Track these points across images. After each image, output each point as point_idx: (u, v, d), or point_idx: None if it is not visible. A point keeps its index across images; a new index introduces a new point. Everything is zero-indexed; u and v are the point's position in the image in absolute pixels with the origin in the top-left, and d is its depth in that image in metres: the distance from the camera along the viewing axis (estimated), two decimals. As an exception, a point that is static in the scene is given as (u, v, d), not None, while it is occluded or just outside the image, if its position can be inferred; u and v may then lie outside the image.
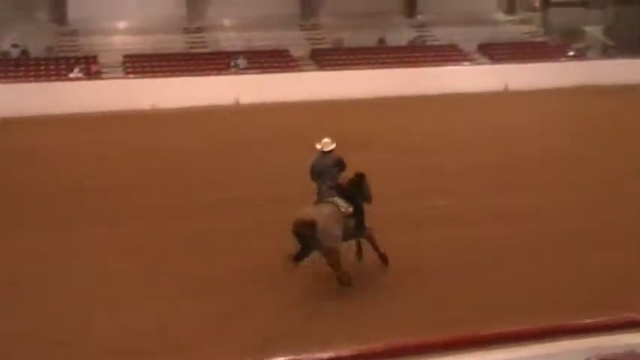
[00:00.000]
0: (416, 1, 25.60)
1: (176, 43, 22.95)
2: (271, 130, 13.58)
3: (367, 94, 20.29)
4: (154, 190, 7.01)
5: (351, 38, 23.92)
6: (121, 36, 22.62)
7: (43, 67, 19.51)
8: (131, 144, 11.99)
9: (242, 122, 15.79)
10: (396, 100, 18.67)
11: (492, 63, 22.02)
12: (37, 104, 16.57)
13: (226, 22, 24.67)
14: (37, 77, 18.77)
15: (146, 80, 20.24)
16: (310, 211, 5.32)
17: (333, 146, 5.85)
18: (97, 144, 11.91)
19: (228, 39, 23.73)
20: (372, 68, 22.16)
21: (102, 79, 19.96)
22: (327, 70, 22.43)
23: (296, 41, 23.78)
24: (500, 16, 25.83)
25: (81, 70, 19.84)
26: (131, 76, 20.78)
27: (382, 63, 22.64)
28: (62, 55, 20.44)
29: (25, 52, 19.79)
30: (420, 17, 25.62)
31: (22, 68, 19.08)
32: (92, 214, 5.75)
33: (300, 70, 22.21)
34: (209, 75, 21.02)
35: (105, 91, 18.90)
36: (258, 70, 21.88)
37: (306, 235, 5.01)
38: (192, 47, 23.43)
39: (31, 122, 14.54)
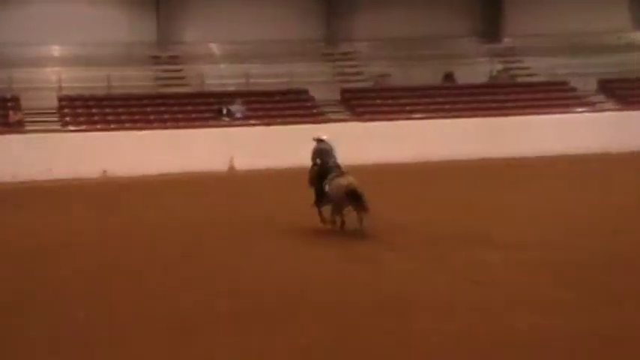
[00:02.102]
0: (500, 17, 27.71)
1: (140, 79, 26.00)
2: (278, 211, 15.28)
3: (425, 156, 22.58)
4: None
5: (401, 74, 26.41)
6: (55, 68, 25.81)
7: None
8: (74, 228, 14.26)
9: (236, 196, 18.00)
10: (470, 166, 20.35)
11: (621, 108, 24.31)
12: None
13: (215, 48, 27.71)
14: None
15: (93, 135, 23.33)
16: (350, 179, 12.92)
17: (325, 137, 13.78)
18: (14, 231, 14.15)
19: (218, 74, 26.74)
20: (434, 117, 24.51)
21: (24, 132, 22.92)
22: (365, 120, 24.97)
23: (318, 77, 26.52)
24: (637, 36, 27.59)
25: None
26: (71, 128, 24.03)
27: (449, 110, 24.86)
28: None
29: None
30: (506, 41, 27.64)
31: None
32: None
33: (325, 121, 24.71)
34: (190, 127, 23.94)
35: (29, 151, 21.93)
36: (262, 121, 24.78)
37: (358, 193, 12.51)
38: (163, 85, 26.52)
39: None
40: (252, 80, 26.25)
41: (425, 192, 17.49)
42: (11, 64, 24.92)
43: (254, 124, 24.45)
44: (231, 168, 23.47)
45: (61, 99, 24.98)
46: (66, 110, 24.88)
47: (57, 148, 22.62)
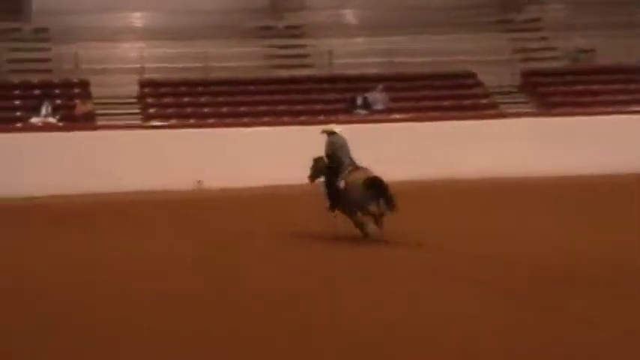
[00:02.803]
0: None
1: (247, 57, 25.42)
2: (427, 233, 14.38)
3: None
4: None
5: (611, 49, 24.90)
6: (136, 43, 25.74)
7: None
8: (154, 255, 13.50)
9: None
10: None
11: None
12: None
13: (348, 16, 27.08)
14: None
15: (184, 133, 22.44)
16: (369, 171, 13.85)
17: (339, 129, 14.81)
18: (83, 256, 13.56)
19: (352, 50, 25.89)
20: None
21: (93, 127, 22.46)
22: (556, 114, 23.50)
23: (490, 55, 25.30)
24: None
25: (53, 111, 22.21)
26: (154, 122, 23.32)
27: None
28: (14, 79, 23.52)
29: None
30: None
31: None
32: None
33: (498, 115, 23.55)
34: (312, 123, 22.05)
35: (99, 153, 21.36)
36: (410, 114, 23.62)
37: (382, 184, 13.46)
38: (277, 67, 25.89)
39: None
40: (397, 59, 25.42)
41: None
42: (79, 38, 24.82)
43: (399, 119, 23.58)
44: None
45: (142, 84, 24.57)
46: (149, 99, 24.44)
47: (136, 150, 21.60)
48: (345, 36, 26.61)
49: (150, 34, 26.21)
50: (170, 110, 24.13)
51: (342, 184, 14.03)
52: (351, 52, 25.91)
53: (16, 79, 24.16)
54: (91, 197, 20.13)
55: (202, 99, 24.61)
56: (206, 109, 24.19)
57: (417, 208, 15.71)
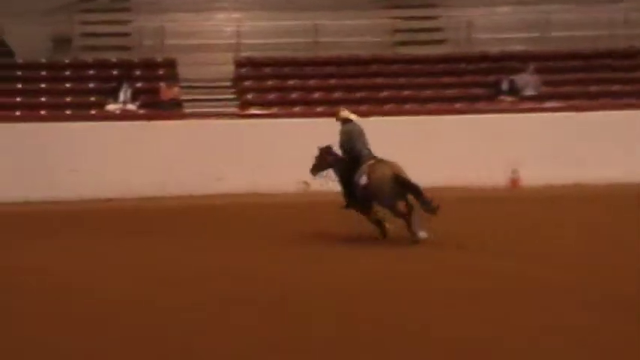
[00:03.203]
0: None
1: (365, 31, 24.78)
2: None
3: None
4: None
5: None
6: (231, 14, 25.49)
7: (32, 86, 22.48)
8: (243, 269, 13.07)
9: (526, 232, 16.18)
10: None
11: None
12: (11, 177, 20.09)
13: None
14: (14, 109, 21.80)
15: (289, 123, 21.96)
16: (396, 165, 14.25)
17: (354, 116, 14.95)
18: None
19: (495, 23, 25.00)
20: None
21: (180, 116, 22.25)
22: None
23: None
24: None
25: (133, 96, 22.22)
26: (254, 110, 22.81)
27: None
28: (88, 58, 23.47)
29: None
30: None
31: None
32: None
33: None
34: (445, 112, 22.18)
35: (187, 146, 21.09)
36: (569, 102, 22.66)
37: (409, 181, 14.08)
38: (401, 43, 25.11)
39: None
40: (552, 34, 24.67)
41: None
42: (164, 9, 24.76)
43: (556, 109, 22.79)
44: (514, 182, 22.09)
45: (239, 64, 24.25)
46: (247, 82, 23.98)
47: (230, 144, 21.22)
48: (488, 4, 25.99)
49: (248, 4, 26.03)
50: (272, 96, 23.64)
51: (363, 179, 14.30)
52: (494, 25, 25.36)
53: (90, 57, 23.61)
54: (177, 200, 19.84)
55: (311, 82, 24.07)
56: (315, 94, 23.58)
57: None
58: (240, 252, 13.99)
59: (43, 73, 22.76)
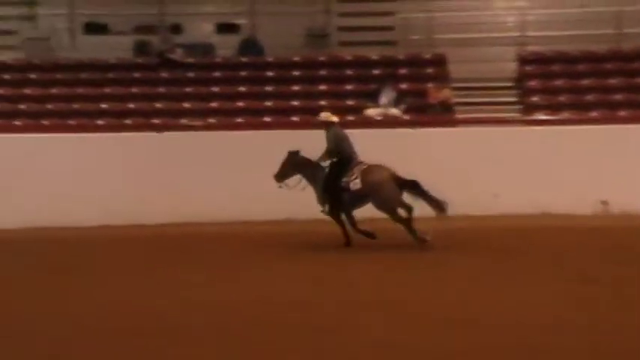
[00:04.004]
0: None
1: None
2: None
3: None
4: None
5: None
6: (512, 1, 23.62)
7: (283, 88, 21.06)
8: None
9: None
10: None
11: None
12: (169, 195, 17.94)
13: None
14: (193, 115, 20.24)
15: (587, 131, 19.47)
16: (388, 167, 14.80)
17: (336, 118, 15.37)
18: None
19: None
20: None
21: (456, 122, 20.38)
22: None
23: None
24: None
25: (397, 99, 20.42)
26: (542, 116, 20.65)
27: None
28: (346, 55, 22.16)
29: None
30: None
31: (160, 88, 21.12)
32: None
33: None
34: None
35: (465, 157, 18.89)
36: None
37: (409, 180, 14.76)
38: None
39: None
40: None
41: None
42: None
43: None
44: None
45: (523, 60, 22.40)
46: (532, 82, 21.94)
47: (512, 154, 19.03)
48: None
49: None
50: (563, 98, 21.44)
51: (355, 183, 14.53)
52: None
53: (348, 54, 22.13)
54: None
55: (611, 80, 21.64)
56: (617, 96, 21.09)
57: None
58: (539, 289, 11.83)
59: (296, 73, 21.27)
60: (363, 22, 23.20)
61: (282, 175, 14.95)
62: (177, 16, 22.59)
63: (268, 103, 20.35)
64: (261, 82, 20.95)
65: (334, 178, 14.68)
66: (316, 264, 13.68)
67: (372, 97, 20.21)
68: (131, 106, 20.08)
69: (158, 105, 20.14)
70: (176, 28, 22.27)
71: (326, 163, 14.87)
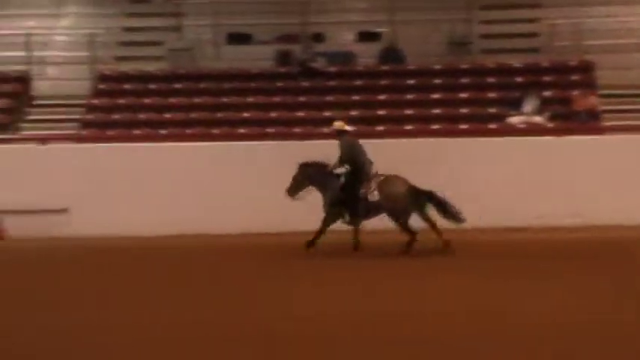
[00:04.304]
0: None
1: None
2: None
3: None
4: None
5: None
6: None
7: (424, 96, 20.64)
8: None
9: None
10: None
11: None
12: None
13: None
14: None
15: None
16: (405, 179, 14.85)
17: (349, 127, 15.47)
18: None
19: None
20: None
21: (602, 130, 19.51)
22: None
23: None
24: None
25: (541, 106, 19.87)
26: None
27: None
28: (488, 62, 21.64)
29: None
30: None
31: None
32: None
33: None
34: None
35: (612, 168, 18.19)
36: None
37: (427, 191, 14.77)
38: None
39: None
40: None
41: None
42: (581, 2, 22.49)
43: None
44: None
45: None
46: None
47: None
48: None
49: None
50: None
51: (374, 195, 14.48)
52: None
53: (490, 61, 21.51)
54: (593, 232, 16.69)
55: None
56: None
57: None
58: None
59: (437, 81, 20.77)
60: (506, 29, 22.48)
61: (294, 190, 14.75)
62: (319, 25, 22.26)
63: (409, 112, 19.91)
64: (402, 90, 20.51)
65: (351, 188, 14.55)
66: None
67: (515, 105, 19.68)
68: (273, 115, 19.92)
69: (299, 114, 19.93)
70: (318, 37, 21.95)
71: (339, 171, 14.72)
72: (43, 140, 18.13)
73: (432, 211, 14.62)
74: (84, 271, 13.64)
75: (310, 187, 14.79)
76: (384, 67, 21.25)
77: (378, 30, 22.51)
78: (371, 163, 14.75)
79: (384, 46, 21.67)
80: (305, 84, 20.64)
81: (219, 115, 20.05)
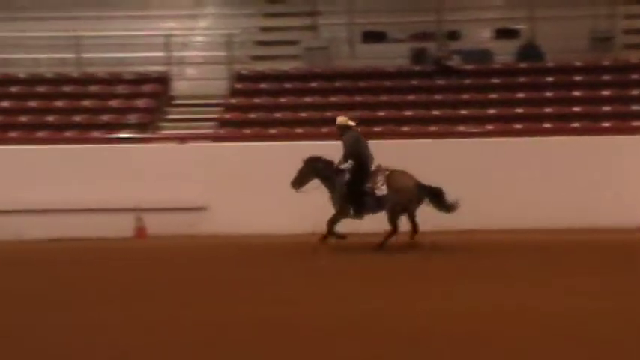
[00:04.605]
0: None
1: None
2: None
3: None
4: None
5: None
6: None
7: (564, 93, 19.94)
8: None
9: None
10: None
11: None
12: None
13: None
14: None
15: None
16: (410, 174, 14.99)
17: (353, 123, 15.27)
18: None
19: None
20: None
21: None
22: None
23: None
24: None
25: None
26: None
27: None
28: (632, 57, 20.75)
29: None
30: None
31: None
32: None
33: None
34: None
35: None
36: None
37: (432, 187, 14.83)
38: None
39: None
40: None
41: None
42: None
43: None
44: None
45: None
46: None
47: None
48: None
49: None
50: None
51: (382, 189, 14.50)
52: None
53: (634, 57, 20.51)
54: None
55: None
56: None
57: None
58: None
59: (578, 77, 19.87)
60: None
61: (299, 183, 14.74)
62: (455, 22, 21.58)
63: (548, 110, 19.10)
64: (541, 87, 19.69)
65: (356, 183, 14.55)
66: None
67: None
68: (408, 113, 19.44)
69: (435, 112, 19.38)
70: (453, 35, 21.31)
71: (344, 167, 14.64)
72: (182, 139, 18.24)
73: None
74: (227, 267, 13.62)
75: (315, 180, 14.73)
76: (522, 65, 20.37)
77: (516, 27, 21.58)
78: (372, 158, 14.73)
79: (523, 43, 20.81)
80: (440, 82, 20.02)
81: (354, 113, 19.61)
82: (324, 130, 18.63)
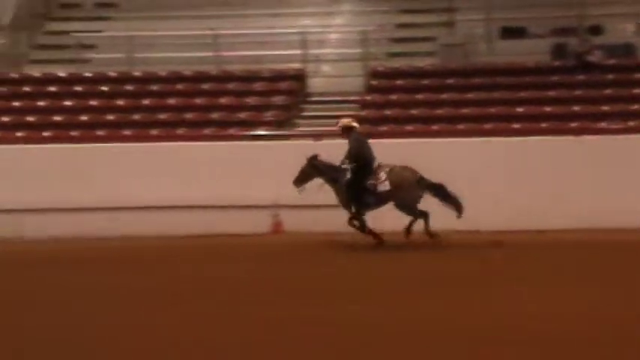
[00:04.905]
0: None
1: None
2: None
3: None
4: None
5: None
6: None
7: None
8: None
9: None
10: None
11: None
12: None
13: None
14: None
15: None
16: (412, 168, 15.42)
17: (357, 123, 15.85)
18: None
19: None
20: None
21: None
22: None
23: None
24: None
25: None
26: None
27: None
28: None
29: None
30: None
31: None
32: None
33: None
34: None
35: None
36: None
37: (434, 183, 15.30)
38: None
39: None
40: None
41: None
42: None
43: None
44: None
45: None
46: None
47: None
48: None
49: None
50: None
51: (384, 185, 14.80)
52: None
53: None
54: None
55: None
56: None
57: None
58: None
59: None
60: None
61: (301, 181, 15.09)
62: (597, 17, 21.04)
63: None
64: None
65: (359, 181, 14.85)
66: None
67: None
68: (547, 109, 19.11)
69: (575, 108, 19.00)
70: (595, 30, 20.77)
71: (346, 166, 14.98)
72: (318, 136, 18.28)
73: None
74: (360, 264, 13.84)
75: (316, 178, 15.05)
76: (669, 59, 19.71)
77: (663, 21, 20.99)
78: (375, 158, 15.10)
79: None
80: (581, 77, 19.58)
81: (492, 110, 19.44)
82: (461, 127, 18.51)
